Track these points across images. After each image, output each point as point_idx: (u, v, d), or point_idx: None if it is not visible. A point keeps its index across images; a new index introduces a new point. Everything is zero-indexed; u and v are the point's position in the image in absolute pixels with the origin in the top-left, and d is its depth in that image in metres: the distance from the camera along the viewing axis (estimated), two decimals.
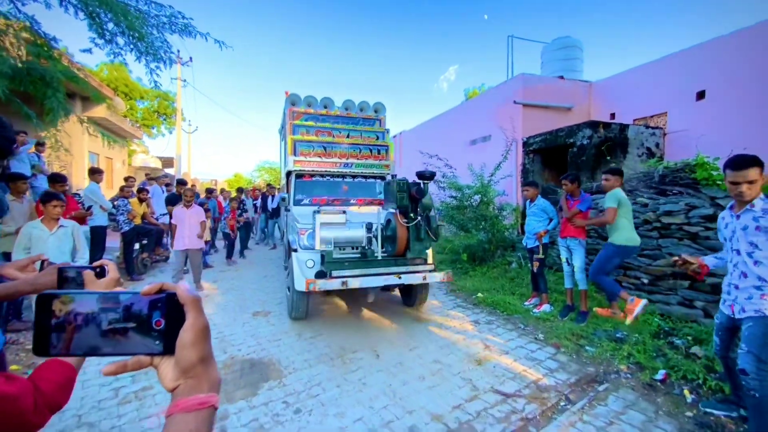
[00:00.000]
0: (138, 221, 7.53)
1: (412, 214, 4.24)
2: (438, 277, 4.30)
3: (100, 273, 0.92)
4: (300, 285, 4.08)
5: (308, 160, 5.60)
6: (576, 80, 8.71)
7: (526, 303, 5.23)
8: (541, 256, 5.00)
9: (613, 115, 7.66)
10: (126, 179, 8.24)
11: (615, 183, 4.18)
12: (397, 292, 5.74)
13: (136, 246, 7.39)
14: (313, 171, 5.67)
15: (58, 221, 3.94)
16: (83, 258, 4.18)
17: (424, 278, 4.24)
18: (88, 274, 0.89)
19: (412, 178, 4.52)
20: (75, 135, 13.69)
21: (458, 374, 3.37)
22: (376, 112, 6.42)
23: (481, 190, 6.90)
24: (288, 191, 5.79)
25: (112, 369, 0.52)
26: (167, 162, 27.71)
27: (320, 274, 4.07)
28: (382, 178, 6.05)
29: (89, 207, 5.69)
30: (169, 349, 0.52)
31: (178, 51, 18.54)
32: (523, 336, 4.27)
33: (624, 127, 6.85)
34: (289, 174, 5.83)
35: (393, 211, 4.36)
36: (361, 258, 4.37)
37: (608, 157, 6.45)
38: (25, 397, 0.72)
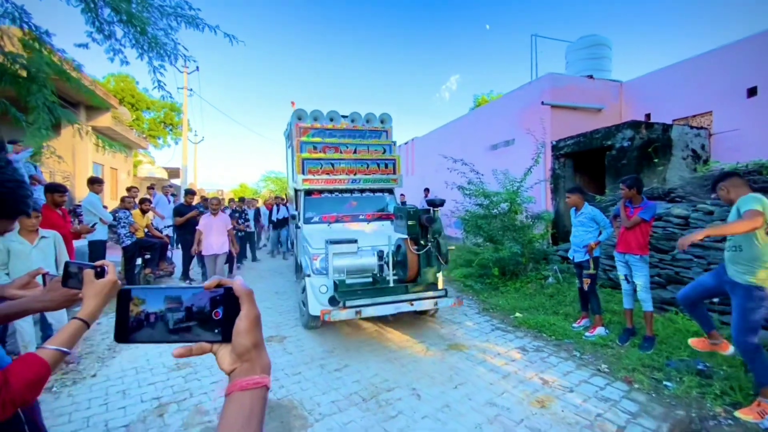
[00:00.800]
0: (140, 234, 7.04)
1: (422, 241, 4.27)
2: (449, 302, 4.27)
3: (100, 273, 0.94)
4: (315, 311, 4.22)
5: (317, 178, 5.70)
6: (606, 80, 8.19)
7: (575, 325, 4.62)
8: (592, 271, 4.40)
9: (648, 116, 7.10)
10: (128, 189, 7.79)
11: (743, 190, 2.90)
12: None
13: (139, 261, 6.88)
14: (322, 188, 5.75)
15: (38, 232, 3.48)
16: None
17: (435, 304, 4.28)
18: (88, 273, 0.90)
19: (425, 185, 4.72)
20: (79, 145, 13.35)
21: (522, 423, 2.76)
22: (382, 123, 6.37)
23: (512, 197, 6.33)
24: (297, 209, 5.88)
25: (181, 352, 0.58)
26: (173, 172, 27.46)
27: (333, 301, 4.14)
28: (390, 191, 6.10)
29: (93, 224, 5.19)
30: (226, 337, 0.57)
31: (186, 58, 18.29)
32: (582, 367, 3.66)
33: (667, 128, 6.28)
34: (297, 192, 5.93)
35: (404, 237, 4.35)
36: (373, 284, 4.42)
37: (656, 160, 5.87)
38: None
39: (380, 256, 4.41)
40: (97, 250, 5.97)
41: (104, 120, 13.61)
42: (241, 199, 11.44)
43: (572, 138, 7.10)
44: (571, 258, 4.66)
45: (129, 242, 6.60)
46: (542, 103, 7.51)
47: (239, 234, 9.05)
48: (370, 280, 4.49)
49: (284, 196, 11.94)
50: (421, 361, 3.84)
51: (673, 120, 7.24)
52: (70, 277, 0.99)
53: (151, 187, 10.04)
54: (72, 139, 13.15)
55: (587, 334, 4.33)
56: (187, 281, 7.37)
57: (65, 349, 0.90)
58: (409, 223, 4.23)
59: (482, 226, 6.55)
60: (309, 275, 4.47)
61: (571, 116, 7.74)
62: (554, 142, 7.43)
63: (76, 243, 6.78)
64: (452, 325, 4.91)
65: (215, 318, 0.57)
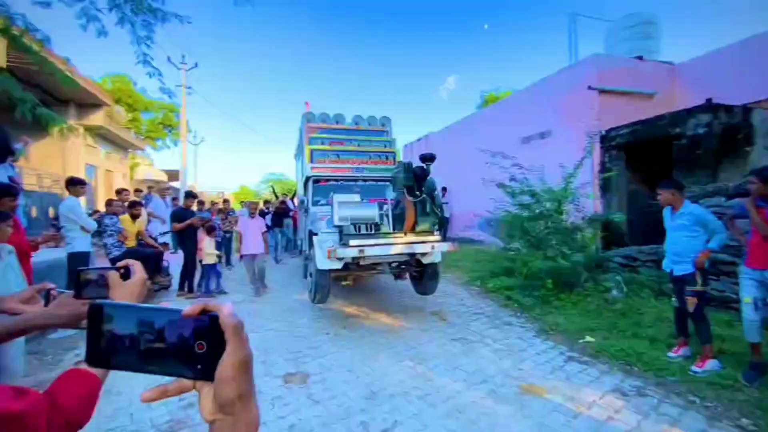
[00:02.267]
0: (131, 243, 6.11)
1: (417, 192, 4.63)
2: (444, 246, 4.64)
3: (125, 274, 0.84)
4: (322, 263, 4.48)
5: (324, 166, 6.20)
6: (657, 61, 7.25)
7: (672, 354, 3.67)
8: (700, 288, 3.45)
9: (709, 101, 6.15)
10: (118, 192, 6.86)
11: None
12: (408, 284, 5.95)
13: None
14: (328, 176, 6.22)
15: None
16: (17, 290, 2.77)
17: (433, 247, 4.53)
18: (113, 276, 0.80)
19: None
20: (70, 146, 12.44)
21: None
22: (383, 125, 7.00)
23: (565, 195, 5.39)
24: (306, 195, 6.32)
25: (150, 395, 0.49)
26: (173, 175, 26.55)
27: (339, 240, 4.41)
28: (391, 180, 6.34)
29: (59, 228, 4.23)
30: (209, 376, 0.47)
31: (183, 56, 17.43)
32: (714, 420, 2.71)
33: (747, 111, 5.35)
34: (307, 180, 6.37)
35: (401, 189, 4.71)
36: (375, 233, 4.77)
37: (746, 148, 4.94)
38: (34, 415, 0.63)
39: (380, 206, 4.94)
40: (79, 262, 5.04)
41: (97, 118, 12.71)
42: (226, 201, 12.31)
43: (627, 127, 6.15)
44: (668, 270, 3.70)
45: (117, 253, 5.68)
46: (589, 87, 6.56)
47: (226, 234, 9.03)
48: (373, 232, 4.89)
49: (270, 199, 13.39)
50: (494, 413, 2.88)
51: (744, 105, 6.30)
52: (86, 286, 0.86)
53: (138, 190, 9.10)
54: (62, 139, 12.26)
55: (694, 368, 3.38)
56: (189, 295, 6.43)
57: None
58: (406, 174, 4.58)
59: (528, 230, 5.61)
60: (316, 234, 4.88)
61: (619, 102, 6.79)
62: (603, 132, 6.48)
63: (43, 256, 5.79)
64: (512, 354, 3.96)
65: (198, 351, 0.47)
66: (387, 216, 4.82)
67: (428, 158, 4.66)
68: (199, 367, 0.47)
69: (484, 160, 9.81)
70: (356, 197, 4.87)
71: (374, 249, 4.32)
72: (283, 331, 4.83)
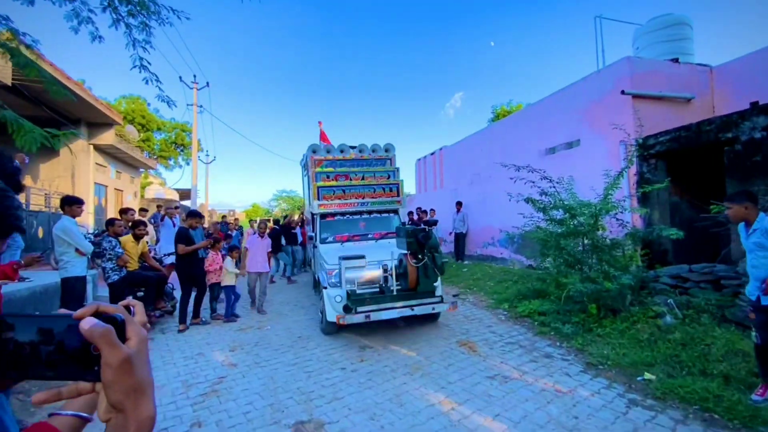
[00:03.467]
0: (134, 266, 5.72)
1: (419, 255, 4.90)
2: (444, 307, 4.98)
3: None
4: (331, 317, 4.86)
5: (330, 203, 6.45)
6: (693, 64, 6.76)
7: (756, 397, 3.05)
8: None
9: (755, 104, 5.61)
10: (122, 211, 6.51)
11: None
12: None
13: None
14: (335, 212, 6.51)
15: None
16: None
17: (433, 309, 4.93)
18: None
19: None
20: (80, 165, 12.34)
21: None
22: (386, 151, 7.15)
23: (608, 208, 4.86)
24: (314, 230, 6.60)
25: (43, 397, 0.51)
26: (184, 194, 26.59)
27: (346, 309, 4.73)
28: (396, 212, 6.79)
29: (43, 252, 3.84)
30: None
31: (195, 76, 17.54)
32: None
33: None
34: (314, 216, 6.70)
35: (404, 252, 5.01)
36: (380, 293, 5.07)
37: None
38: None
39: (385, 269, 5.20)
40: (73, 288, 4.65)
41: (107, 137, 12.62)
42: (223, 217, 12.88)
43: (668, 133, 5.61)
44: (752, 299, 3.11)
45: (116, 278, 5.28)
46: (622, 92, 6.07)
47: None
48: (377, 290, 5.17)
49: (276, 218, 14.04)
50: None
51: None
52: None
53: (144, 209, 8.78)
54: (72, 158, 12.17)
55: None
56: (192, 321, 5.95)
57: (84, 415, 0.65)
58: (408, 240, 4.89)
59: (566, 248, 5.05)
60: (326, 287, 5.18)
61: (655, 108, 6.27)
62: (640, 140, 5.95)
63: (39, 280, 5.37)
64: (560, 397, 3.37)
65: (94, 353, 0.48)
66: (391, 276, 5.07)
67: (431, 224, 5.42)
68: (96, 368, 0.48)
69: (503, 173, 9.35)
70: (363, 261, 5.06)
71: (380, 314, 4.71)
72: (293, 365, 4.31)
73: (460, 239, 11.11)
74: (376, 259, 5.25)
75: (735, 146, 4.88)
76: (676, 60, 6.62)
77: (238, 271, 6.57)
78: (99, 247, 5.54)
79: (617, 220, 5.04)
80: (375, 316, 4.65)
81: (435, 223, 5.35)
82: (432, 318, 5.59)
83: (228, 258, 6.48)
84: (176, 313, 6.43)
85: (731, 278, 4.62)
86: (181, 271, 5.77)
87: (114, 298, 5.24)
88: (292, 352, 4.74)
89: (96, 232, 10.35)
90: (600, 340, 4.52)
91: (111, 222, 5.64)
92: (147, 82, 3.60)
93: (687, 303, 4.72)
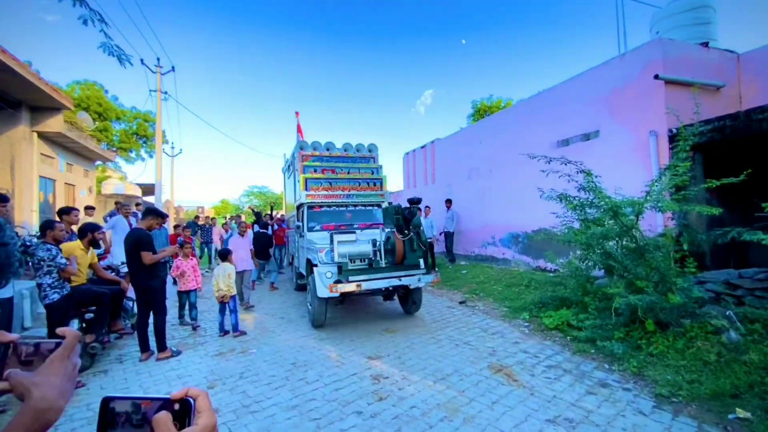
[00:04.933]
0: (81, 280, 4.57)
1: (405, 231, 5.33)
2: (429, 278, 5.45)
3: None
4: (322, 292, 5.07)
5: (317, 194, 6.70)
6: (721, 50, 6.26)
7: None
8: None
9: None
10: (61, 212, 5.20)
11: None
12: (397, 303, 6.61)
13: (74, 324, 4.36)
14: (322, 203, 6.74)
15: None
16: None
17: (419, 279, 5.37)
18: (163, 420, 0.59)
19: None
20: (21, 155, 10.64)
21: None
22: (369, 151, 7.57)
23: (662, 205, 4.20)
24: (301, 221, 6.71)
25: None
26: (147, 189, 24.52)
27: (338, 282, 5.03)
28: (379, 205, 7.02)
29: None
30: None
31: (158, 59, 15.85)
32: None
33: None
34: (300, 206, 6.90)
35: (392, 229, 5.48)
36: (369, 267, 5.34)
37: None
38: None
39: (374, 243, 5.41)
40: None
41: (54, 124, 10.96)
42: (197, 217, 13.14)
43: (708, 123, 5.03)
44: None
45: (57, 296, 4.10)
46: (656, 76, 5.44)
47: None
48: (367, 266, 5.34)
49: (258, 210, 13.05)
50: None
51: None
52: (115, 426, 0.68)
53: (90, 207, 7.46)
54: (11, 147, 10.48)
55: None
56: (159, 356, 4.78)
57: None
58: (395, 215, 5.27)
59: (611, 253, 4.35)
60: (316, 265, 5.32)
61: (685, 96, 5.69)
62: (674, 130, 5.36)
63: None
64: None
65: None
66: (380, 251, 5.37)
67: (415, 201, 5.50)
68: None
69: (507, 167, 8.63)
70: (353, 236, 5.44)
71: (370, 283, 5.10)
72: (293, 408, 3.36)
73: (448, 238, 10.39)
74: (366, 238, 5.55)
75: None
76: (705, 44, 6.09)
77: (225, 289, 5.46)
78: (32, 257, 4.32)
79: (670, 215, 4.38)
80: (366, 286, 5.02)
81: (419, 201, 5.37)
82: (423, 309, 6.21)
83: (226, 265, 5.69)
84: (134, 333, 5.31)
85: None
86: (138, 286, 4.63)
87: (53, 323, 4.09)
88: (288, 387, 3.79)
89: (38, 234, 8.87)
90: (656, 362, 3.86)
91: (49, 225, 4.41)
92: (86, 23, 2.51)
93: (744, 314, 4.15)
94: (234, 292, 5.54)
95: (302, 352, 4.75)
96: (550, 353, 4.40)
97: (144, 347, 4.59)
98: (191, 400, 0.59)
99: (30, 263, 5.02)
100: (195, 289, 6.00)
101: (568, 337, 4.76)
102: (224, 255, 5.76)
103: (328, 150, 7.35)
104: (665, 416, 3.04)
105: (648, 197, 4.42)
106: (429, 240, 8.08)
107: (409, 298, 6.07)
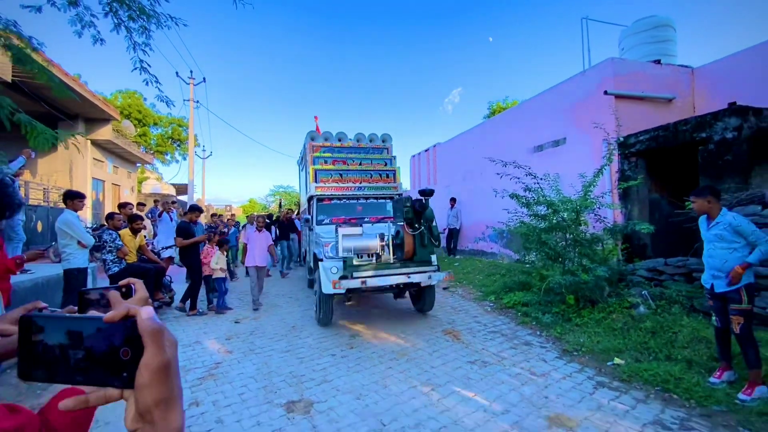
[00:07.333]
0: (132, 258, 5.92)
1: (416, 225, 4.91)
2: (441, 276, 5.00)
3: (127, 293, 0.79)
4: (327, 288, 4.73)
5: (327, 185, 6.47)
6: (675, 65, 6.98)
7: (714, 379, 3.31)
8: (745, 306, 3.12)
9: (732, 104, 5.85)
10: (121, 206, 6.70)
11: None
12: (408, 301, 6.25)
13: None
14: (332, 195, 6.51)
15: None
16: None
17: (429, 277, 4.92)
18: (114, 295, 0.68)
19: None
20: (77, 160, 12.46)
21: None
22: (383, 141, 7.28)
23: (586, 204, 5.09)
24: (310, 213, 6.57)
25: (70, 404, 0.49)
26: (181, 189, 26.68)
27: (343, 278, 4.72)
28: (391, 198, 6.69)
29: (47, 248, 4.04)
30: (133, 383, 0.46)
31: (191, 72, 17.59)
32: None
33: None
34: (311, 198, 6.65)
35: (401, 223, 5.02)
36: (376, 263, 5.06)
37: None
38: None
39: (381, 237, 5.16)
40: (75, 279, 4.85)
41: (104, 132, 12.74)
42: (213, 215, 13.03)
43: (647, 132, 5.84)
44: (707, 286, 3.38)
45: (116, 269, 5.48)
46: (605, 92, 6.29)
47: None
48: (374, 261, 5.15)
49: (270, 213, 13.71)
50: None
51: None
52: (90, 305, 0.81)
53: (142, 204, 8.99)
54: (70, 153, 12.29)
55: (742, 396, 3.03)
56: (191, 312, 6.18)
57: None
58: (405, 207, 4.83)
59: (547, 242, 5.29)
60: (322, 260, 5.11)
61: (636, 108, 6.50)
62: (621, 138, 6.19)
63: (41, 272, 5.63)
64: (534, 379, 3.62)
65: (124, 358, 0.46)
66: (388, 246, 5.12)
67: (427, 193, 5.06)
68: (125, 374, 0.46)
69: (494, 169, 9.56)
70: (359, 230, 5.25)
71: (376, 279, 4.78)
72: (286, 352, 4.54)
73: (453, 235, 11.35)
74: (374, 233, 5.31)
75: (708, 146, 5.12)
76: (658, 61, 6.85)
77: (217, 267, 6.54)
78: (99, 240, 5.74)
79: (596, 215, 5.27)
80: (371, 282, 4.67)
81: (431, 193, 5.00)
82: (424, 306, 5.68)
83: (217, 252, 6.63)
84: (174, 304, 6.67)
85: (702, 270, 4.88)
86: (185, 261, 6.19)
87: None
88: (285, 340, 4.97)
89: (94, 225, 10.53)
90: (577, 330, 4.78)
91: (111, 216, 5.83)
92: (147, 84, 3.80)
93: (660, 294, 4.99)
94: (222, 274, 6.49)
95: (301, 320, 5.92)
96: (498, 324, 5.39)
97: (182, 302, 6.27)
98: (133, 286, 0.76)
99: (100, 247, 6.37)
100: (210, 275, 6.63)
101: (519, 313, 5.71)
102: (221, 243, 6.78)
103: (339, 140, 7.05)
104: (560, 362, 4.00)
105: (584, 198, 5.30)
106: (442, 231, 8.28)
107: (421, 295, 5.65)
